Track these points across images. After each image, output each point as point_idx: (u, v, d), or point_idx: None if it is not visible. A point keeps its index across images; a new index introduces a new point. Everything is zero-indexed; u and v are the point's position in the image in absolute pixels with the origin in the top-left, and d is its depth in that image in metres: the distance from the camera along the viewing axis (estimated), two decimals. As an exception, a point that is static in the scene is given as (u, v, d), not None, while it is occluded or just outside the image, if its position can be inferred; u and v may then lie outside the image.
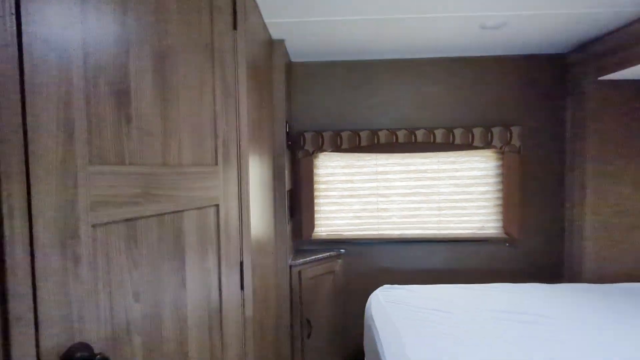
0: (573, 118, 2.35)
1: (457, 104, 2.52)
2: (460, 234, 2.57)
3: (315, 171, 2.64)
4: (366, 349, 1.95)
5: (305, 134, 2.52)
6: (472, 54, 2.48)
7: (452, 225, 2.58)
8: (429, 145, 2.51)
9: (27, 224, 0.59)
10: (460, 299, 2.03)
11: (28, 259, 0.59)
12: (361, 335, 2.17)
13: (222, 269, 1.14)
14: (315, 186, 2.63)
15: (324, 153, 2.59)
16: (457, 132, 2.47)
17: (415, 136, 2.49)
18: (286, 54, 2.32)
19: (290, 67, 2.54)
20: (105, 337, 0.73)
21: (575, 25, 1.98)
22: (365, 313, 2.08)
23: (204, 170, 1.06)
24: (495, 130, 2.45)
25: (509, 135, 2.44)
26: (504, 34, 2.10)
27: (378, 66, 2.54)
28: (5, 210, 0.55)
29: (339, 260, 2.56)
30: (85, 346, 0.66)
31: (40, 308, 0.60)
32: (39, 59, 0.60)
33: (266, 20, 1.88)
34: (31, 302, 0.59)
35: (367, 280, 2.59)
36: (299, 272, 2.30)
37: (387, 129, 2.51)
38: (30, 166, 0.59)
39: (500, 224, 2.55)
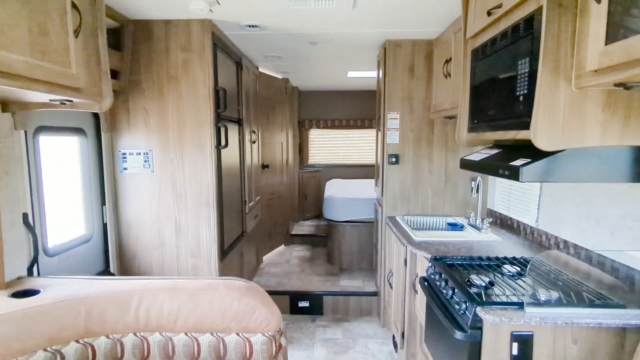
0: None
1: (364, 109, 6.16)
2: (365, 163, 6.28)
3: (309, 136, 6.32)
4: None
5: (305, 120, 6.18)
6: (369, 89, 6.09)
7: (361, 158, 6.29)
8: (355, 126, 6.18)
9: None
10: (358, 182, 5.77)
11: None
12: (324, 196, 5.93)
13: (288, 165, 4.85)
14: (309, 142, 6.32)
15: (313, 129, 6.25)
16: (366, 121, 6.12)
17: (349, 122, 6.15)
18: (296, 88, 5.93)
19: (300, 92, 6.16)
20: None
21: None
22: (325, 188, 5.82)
23: (281, 132, 4.75)
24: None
25: (386, 123, 6.11)
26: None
27: (334, 93, 6.16)
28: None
29: (319, 172, 6.30)
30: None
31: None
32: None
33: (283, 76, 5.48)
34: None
35: (328, 180, 6.33)
36: (302, 175, 6.03)
37: (338, 119, 6.17)
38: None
39: (383, 159, 6.26)
